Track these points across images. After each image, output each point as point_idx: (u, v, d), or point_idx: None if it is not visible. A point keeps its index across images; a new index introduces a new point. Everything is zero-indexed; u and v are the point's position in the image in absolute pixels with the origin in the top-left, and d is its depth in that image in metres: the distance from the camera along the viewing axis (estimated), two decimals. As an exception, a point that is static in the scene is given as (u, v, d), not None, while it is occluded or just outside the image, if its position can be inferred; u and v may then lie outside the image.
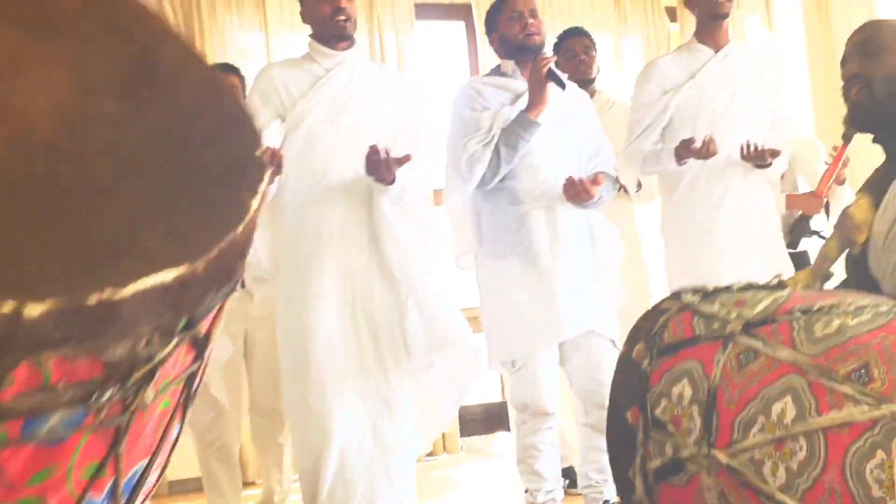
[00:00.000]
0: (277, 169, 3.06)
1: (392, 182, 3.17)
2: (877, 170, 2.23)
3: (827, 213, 4.33)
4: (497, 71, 3.61)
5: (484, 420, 6.00)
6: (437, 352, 3.26)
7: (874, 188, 2.13)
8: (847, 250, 2.14)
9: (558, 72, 3.37)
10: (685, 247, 3.76)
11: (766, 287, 1.83)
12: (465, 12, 6.53)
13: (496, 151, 3.33)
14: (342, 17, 3.28)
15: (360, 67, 3.39)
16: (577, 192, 3.32)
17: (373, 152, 3.11)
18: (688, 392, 1.64)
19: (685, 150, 3.60)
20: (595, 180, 3.35)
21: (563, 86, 3.39)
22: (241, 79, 4.21)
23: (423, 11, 6.41)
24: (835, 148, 4.10)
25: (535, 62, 3.37)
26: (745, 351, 1.60)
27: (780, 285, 1.89)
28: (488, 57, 6.21)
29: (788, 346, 1.56)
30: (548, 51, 4.49)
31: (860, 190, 2.21)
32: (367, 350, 3.23)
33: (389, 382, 3.25)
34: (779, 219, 3.88)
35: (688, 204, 3.75)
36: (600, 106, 4.40)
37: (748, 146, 3.59)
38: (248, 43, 5.96)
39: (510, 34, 3.50)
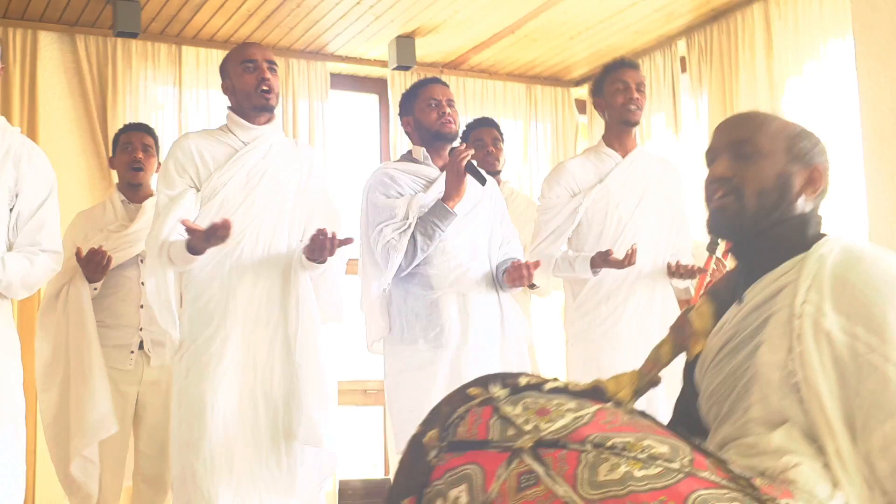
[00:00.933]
0: (224, 239, 3.01)
1: (324, 261, 3.20)
2: (725, 275, 2.05)
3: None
4: (409, 157, 3.64)
5: (364, 496, 5.94)
6: (302, 444, 3.22)
7: (719, 296, 1.94)
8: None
9: (477, 167, 3.42)
10: (588, 343, 3.80)
11: (577, 394, 1.71)
12: (380, 85, 6.61)
13: (412, 240, 3.35)
14: (265, 89, 3.31)
15: (277, 142, 3.40)
16: (521, 275, 3.36)
17: (321, 233, 3.11)
18: (464, 500, 1.54)
19: (602, 261, 3.65)
20: (536, 264, 3.40)
21: (483, 181, 3.44)
22: (155, 139, 4.18)
23: (338, 81, 6.48)
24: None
25: (453, 154, 3.41)
26: (528, 473, 1.51)
27: (596, 391, 1.81)
28: (400, 131, 6.30)
29: (569, 483, 1.48)
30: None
31: (705, 293, 2.02)
32: (262, 429, 3.17)
33: (281, 466, 3.21)
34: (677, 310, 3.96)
35: (593, 303, 3.80)
36: (504, 196, 4.48)
37: (677, 266, 3.72)
38: (160, 96, 5.93)
39: (426, 120, 3.53)
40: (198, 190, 3.24)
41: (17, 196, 3.08)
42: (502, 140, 4.56)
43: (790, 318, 1.68)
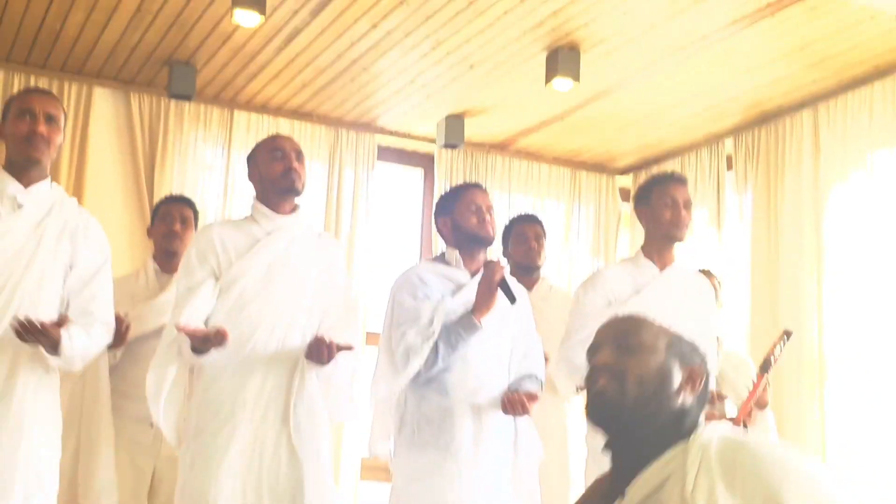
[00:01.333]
0: (220, 346, 3.05)
1: (327, 363, 3.18)
2: (598, 481, 2.00)
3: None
4: (440, 258, 3.63)
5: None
6: None
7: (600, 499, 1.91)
8: None
9: (510, 284, 3.39)
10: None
11: None
12: (426, 160, 6.66)
13: (434, 347, 3.33)
14: (293, 175, 3.31)
15: (300, 234, 3.39)
16: (514, 407, 3.34)
17: (320, 342, 3.11)
18: None
19: None
20: (533, 396, 3.38)
21: (513, 300, 3.40)
22: (195, 212, 4.21)
23: (385, 154, 6.54)
24: (776, 344, 4.21)
25: (488, 267, 3.39)
26: None
27: None
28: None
29: None
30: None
31: (581, 499, 2.01)
32: None
33: None
34: None
35: None
36: (542, 293, 4.46)
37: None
38: (209, 157, 6.01)
39: (466, 224, 3.52)
40: (217, 279, 3.23)
41: (71, 268, 3.10)
42: (545, 236, 4.55)
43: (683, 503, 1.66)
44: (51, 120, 3.07)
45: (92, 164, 5.66)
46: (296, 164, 3.33)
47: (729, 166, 6.26)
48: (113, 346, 3.74)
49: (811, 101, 5.59)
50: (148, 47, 5.27)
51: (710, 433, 1.76)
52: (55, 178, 5.39)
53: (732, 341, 5.73)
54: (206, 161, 6.01)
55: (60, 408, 3.14)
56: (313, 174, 6.18)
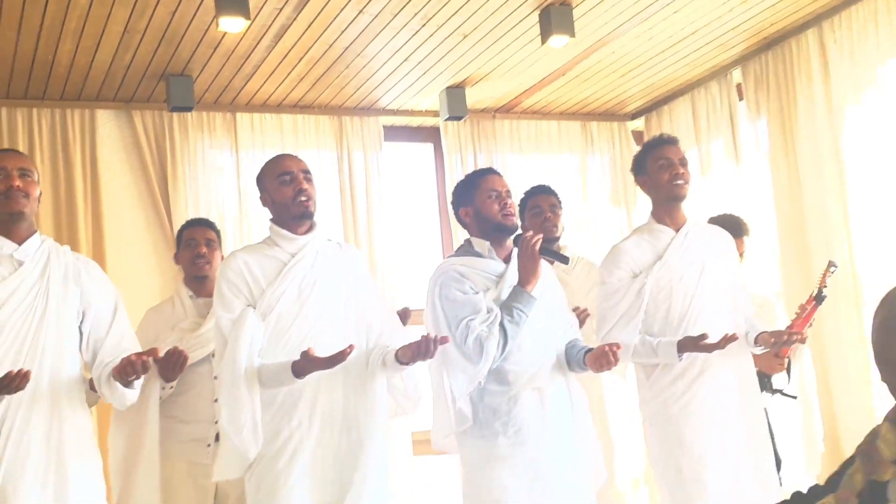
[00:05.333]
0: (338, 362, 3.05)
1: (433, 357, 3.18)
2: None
3: (788, 372, 4.37)
4: (469, 248, 3.58)
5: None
6: None
7: None
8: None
9: (554, 249, 3.41)
10: (667, 421, 3.70)
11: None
12: (433, 134, 6.62)
13: (502, 328, 3.32)
14: (304, 198, 3.31)
15: (322, 249, 3.37)
16: (608, 360, 3.30)
17: (428, 341, 3.08)
18: None
19: (693, 346, 3.57)
20: (617, 345, 3.33)
21: (565, 261, 3.49)
22: (217, 233, 4.22)
23: (391, 133, 6.51)
24: (801, 307, 4.15)
25: (523, 240, 3.39)
26: None
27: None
28: (455, 175, 6.31)
29: None
30: (518, 187, 4.57)
31: (887, 418, 1.93)
32: None
33: None
34: (755, 378, 3.86)
35: (667, 380, 3.70)
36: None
37: (773, 335, 3.64)
38: (218, 160, 6.02)
39: (488, 212, 3.48)
40: (253, 307, 3.22)
41: (84, 313, 3.15)
42: (560, 206, 4.51)
43: None
44: (25, 174, 3.10)
45: (106, 185, 5.70)
46: (305, 186, 3.29)
47: (740, 96, 6.17)
48: (171, 379, 3.79)
49: (815, 21, 5.49)
50: (142, 64, 5.26)
51: None
52: (71, 209, 5.53)
53: (763, 273, 5.69)
54: (216, 164, 6.01)
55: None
56: (323, 164, 6.18)
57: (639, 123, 6.98)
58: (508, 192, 3.51)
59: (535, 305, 3.37)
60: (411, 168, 6.81)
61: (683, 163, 3.77)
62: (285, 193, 3.28)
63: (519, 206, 4.44)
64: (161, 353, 3.58)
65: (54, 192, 5.56)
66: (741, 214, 4.82)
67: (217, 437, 3.87)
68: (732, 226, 4.28)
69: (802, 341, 3.86)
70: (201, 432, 3.91)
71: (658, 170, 3.76)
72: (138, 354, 2.97)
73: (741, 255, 4.40)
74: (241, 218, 5.97)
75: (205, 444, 3.90)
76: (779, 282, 5.74)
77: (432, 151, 6.71)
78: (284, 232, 3.32)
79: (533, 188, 4.56)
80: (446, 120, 6.27)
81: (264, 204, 3.38)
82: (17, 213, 3.09)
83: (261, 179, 3.38)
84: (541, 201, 4.44)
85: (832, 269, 4.16)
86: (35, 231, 3.19)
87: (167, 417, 3.85)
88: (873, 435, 1.97)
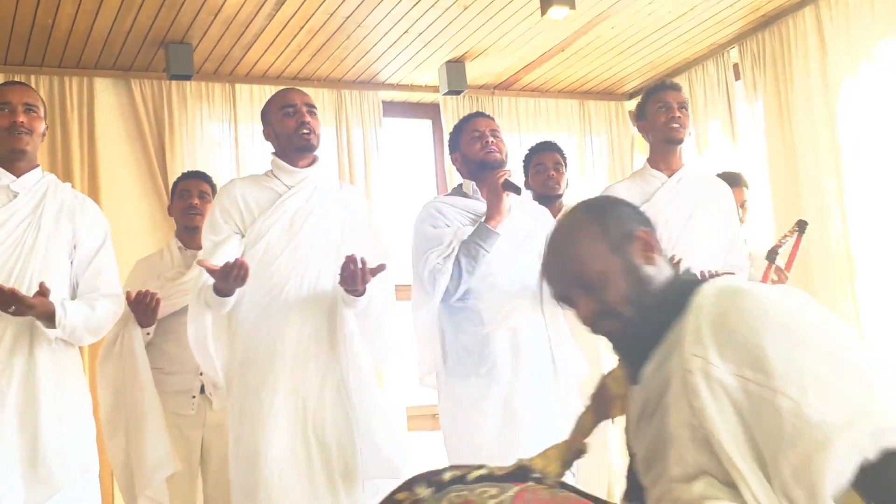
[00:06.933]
0: (242, 280, 3.06)
1: (362, 294, 3.17)
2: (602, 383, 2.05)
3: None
4: (458, 191, 3.68)
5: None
6: (370, 479, 3.21)
7: None
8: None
9: (513, 181, 3.45)
10: None
11: (501, 479, 1.76)
12: (433, 110, 6.64)
13: (457, 262, 3.39)
14: (306, 131, 3.34)
15: (321, 185, 3.42)
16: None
17: (350, 261, 3.08)
18: None
19: None
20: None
21: (518, 191, 3.47)
22: (212, 186, 4.23)
23: (391, 109, 6.52)
24: (786, 236, 4.36)
25: (491, 175, 3.47)
26: None
27: (522, 470, 1.83)
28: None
29: None
30: (518, 164, 4.60)
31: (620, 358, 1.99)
32: (317, 472, 3.16)
33: None
34: None
35: None
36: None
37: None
38: (216, 133, 6.02)
39: (471, 152, 3.58)
40: (242, 235, 3.26)
41: (74, 248, 3.18)
42: (564, 164, 4.53)
43: (684, 376, 1.66)
44: (30, 109, 3.14)
45: (103, 154, 5.69)
46: (308, 119, 3.35)
47: (737, 76, 6.20)
48: (145, 324, 3.80)
49: (811, -3, 5.52)
50: (141, 31, 5.27)
51: (705, 292, 1.74)
52: (68, 172, 5.52)
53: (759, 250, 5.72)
54: (214, 137, 6.02)
55: (87, 383, 3.23)
56: (322, 140, 6.15)
57: (636, 103, 7.00)
58: (494, 131, 3.60)
59: (502, 242, 3.41)
60: (410, 144, 6.82)
61: (682, 107, 3.84)
62: (287, 125, 3.33)
63: (523, 162, 4.50)
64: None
65: (51, 159, 5.54)
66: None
67: (202, 389, 3.90)
68: (730, 178, 4.34)
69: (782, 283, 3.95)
70: (186, 383, 3.91)
71: (656, 112, 3.84)
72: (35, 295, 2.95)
73: (742, 205, 4.45)
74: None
75: (189, 396, 3.90)
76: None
77: (431, 128, 6.72)
78: (284, 164, 3.36)
79: (537, 144, 4.59)
80: (446, 94, 6.27)
81: (267, 137, 3.43)
82: (18, 150, 3.13)
83: (265, 113, 3.43)
84: (545, 158, 4.47)
85: (798, 228, 4.38)
86: (36, 166, 3.23)
87: (151, 369, 3.83)
88: (606, 375, 2.04)
